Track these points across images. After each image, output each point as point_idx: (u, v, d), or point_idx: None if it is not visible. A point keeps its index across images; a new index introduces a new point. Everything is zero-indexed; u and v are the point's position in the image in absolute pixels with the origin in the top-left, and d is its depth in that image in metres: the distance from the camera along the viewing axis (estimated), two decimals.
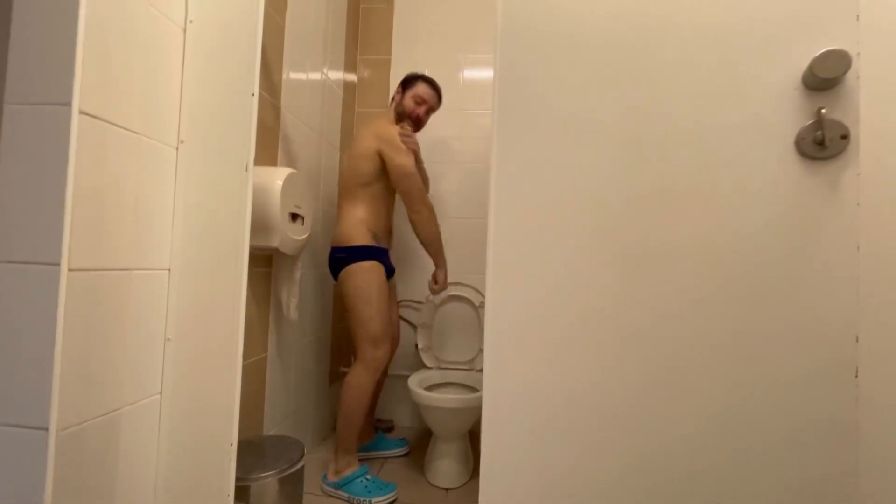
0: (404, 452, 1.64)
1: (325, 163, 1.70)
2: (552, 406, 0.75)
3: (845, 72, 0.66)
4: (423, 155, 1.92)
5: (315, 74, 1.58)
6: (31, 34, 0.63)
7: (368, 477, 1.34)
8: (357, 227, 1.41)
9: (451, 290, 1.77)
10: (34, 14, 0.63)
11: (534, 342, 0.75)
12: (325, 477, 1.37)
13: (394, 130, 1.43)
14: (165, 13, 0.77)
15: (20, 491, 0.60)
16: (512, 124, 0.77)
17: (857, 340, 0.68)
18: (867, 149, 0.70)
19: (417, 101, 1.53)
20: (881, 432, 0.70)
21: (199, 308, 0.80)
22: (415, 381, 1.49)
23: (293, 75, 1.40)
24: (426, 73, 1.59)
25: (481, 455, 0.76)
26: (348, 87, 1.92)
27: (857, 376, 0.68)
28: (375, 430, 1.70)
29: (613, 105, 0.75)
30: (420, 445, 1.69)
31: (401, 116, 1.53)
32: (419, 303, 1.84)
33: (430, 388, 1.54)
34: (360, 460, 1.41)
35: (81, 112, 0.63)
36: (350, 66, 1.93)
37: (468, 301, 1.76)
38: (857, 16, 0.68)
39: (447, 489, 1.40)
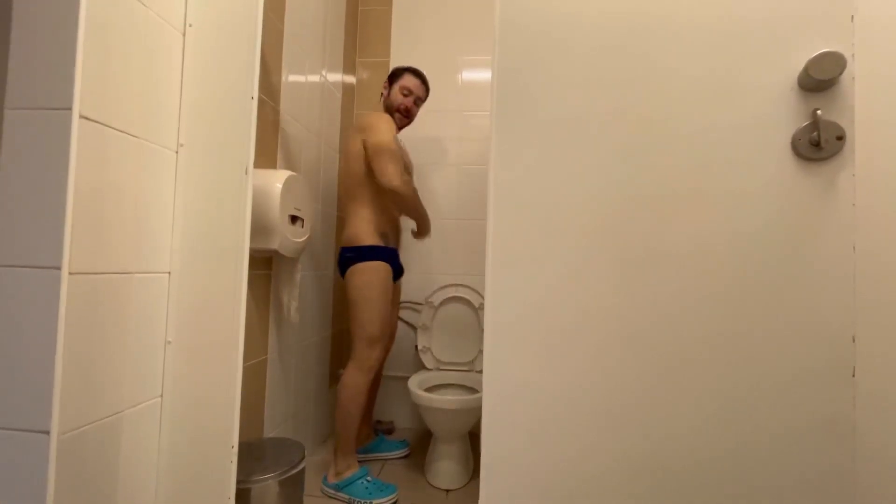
0: (405, 454, 1.64)
1: (324, 165, 1.70)
2: (552, 406, 0.75)
3: (840, 73, 0.67)
4: (423, 156, 1.94)
5: (314, 77, 1.58)
6: (31, 39, 0.63)
7: (369, 478, 1.34)
8: (364, 226, 1.40)
9: (451, 292, 1.77)
10: (34, 19, 0.63)
11: (533, 343, 0.76)
12: (325, 479, 1.38)
13: (373, 118, 1.41)
14: (165, 17, 0.78)
15: (22, 494, 0.60)
16: (511, 126, 0.78)
17: (854, 340, 0.69)
18: (863, 149, 0.70)
19: (404, 92, 1.51)
20: (878, 432, 0.71)
21: (199, 310, 0.80)
22: (415, 383, 1.49)
23: (292, 78, 1.41)
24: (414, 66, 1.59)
25: (481, 456, 0.76)
26: (347, 90, 1.92)
27: (854, 376, 0.68)
28: (376, 431, 1.70)
29: (611, 106, 0.76)
30: (420, 447, 1.69)
31: (390, 110, 1.52)
32: (419, 304, 1.84)
33: (429, 389, 1.54)
34: (360, 462, 1.41)
35: (82, 116, 0.63)
36: (349, 68, 1.94)
37: (468, 302, 1.77)
38: (852, 17, 0.69)
39: (448, 490, 1.40)
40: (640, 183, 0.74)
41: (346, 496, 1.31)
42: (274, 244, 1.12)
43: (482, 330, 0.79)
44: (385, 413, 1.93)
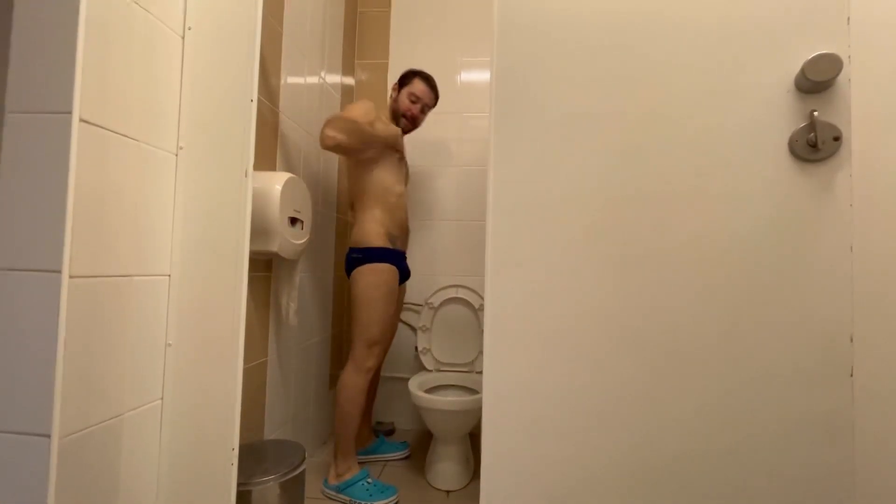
0: (405, 455, 1.64)
1: (323, 167, 1.70)
2: (551, 406, 0.75)
3: (837, 75, 0.67)
4: (422, 157, 1.94)
5: (313, 78, 1.58)
6: (31, 43, 0.63)
7: (369, 480, 1.34)
8: (372, 227, 1.40)
9: (451, 293, 1.77)
10: (35, 23, 0.63)
11: (533, 343, 0.76)
12: (326, 481, 1.37)
13: (353, 104, 1.41)
14: (164, 20, 0.78)
15: (23, 498, 0.60)
16: (509, 127, 0.78)
17: (852, 340, 0.69)
18: (859, 150, 0.70)
19: (412, 99, 1.51)
20: (877, 431, 0.71)
21: (199, 313, 0.81)
22: (415, 384, 1.49)
23: (291, 80, 1.41)
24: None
25: (482, 457, 0.77)
26: (346, 91, 1.92)
27: (851, 375, 0.69)
28: (376, 433, 1.70)
29: (609, 107, 0.76)
30: (421, 448, 1.69)
31: (396, 114, 1.53)
32: (419, 305, 1.85)
33: (429, 390, 1.54)
34: (360, 463, 1.41)
35: (82, 120, 0.63)
36: (348, 69, 1.94)
37: (467, 303, 1.77)
38: (848, 19, 0.70)
39: (448, 491, 1.40)
40: (638, 183, 0.75)
41: (347, 498, 1.31)
42: (274, 246, 1.12)
43: (482, 331, 0.79)
44: (385, 414, 1.93)
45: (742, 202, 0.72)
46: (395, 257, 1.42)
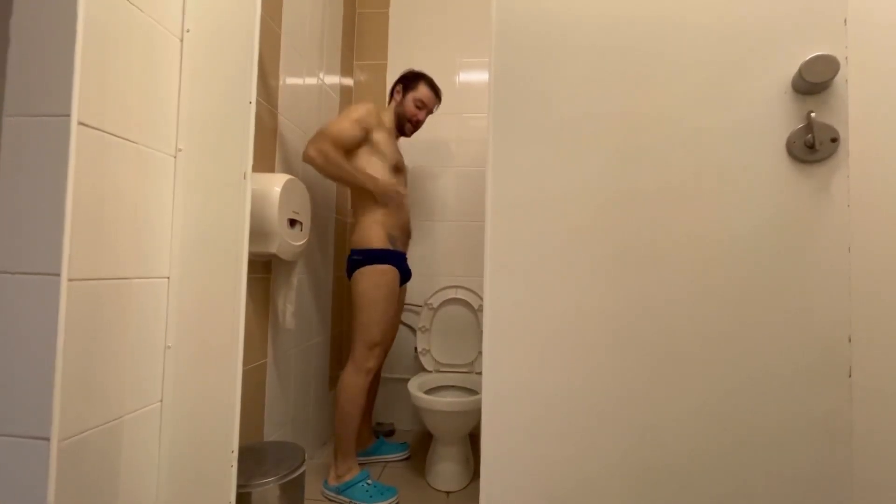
0: (405, 456, 1.64)
1: None
2: (550, 407, 0.75)
3: (833, 76, 0.68)
4: (421, 158, 1.94)
5: (311, 79, 1.58)
6: (30, 46, 0.63)
7: (369, 481, 1.34)
8: (372, 228, 1.40)
9: (450, 294, 1.77)
10: (33, 26, 0.63)
11: (531, 344, 0.76)
12: (326, 482, 1.37)
13: (349, 107, 1.41)
14: (163, 23, 0.78)
15: (22, 501, 0.60)
16: (508, 127, 0.78)
17: (850, 340, 0.69)
18: (856, 151, 0.71)
19: (418, 104, 1.51)
20: (875, 431, 0.71)
21: (198, 315, 0.81)
22: (414, 385, 1.49)
23: (290, 81, 1.41)
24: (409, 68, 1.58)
25: (481, 458, 0.77)
26: (345, 92, 1.92)
27: (850, 375, 0.69)
28: (376, 434, 1.70)
29: (606, 108, 0.76)
30: (421, 449, 1.69)
31: (401, 118, 1.53)
32: (418, 306, 1.85)
33: (429, 391, 1.54)
34: (360, 465, 1.41)
35: (80, 123, 0.63)
36: (346, 70, 1.94)
37: (467, 304, 1.77)
38: (845, 20, 0.70)
39: (448, 492, 1.40)
40: (636, 184, 0.75)
41: (347, 499, 1.31)
42: (273, 248, 1.12)
43: (482, 332, 0.79)
44: (385, 415, 1.93)
45: (740, 203, 0.72)
46: (396, 258, 1.42)
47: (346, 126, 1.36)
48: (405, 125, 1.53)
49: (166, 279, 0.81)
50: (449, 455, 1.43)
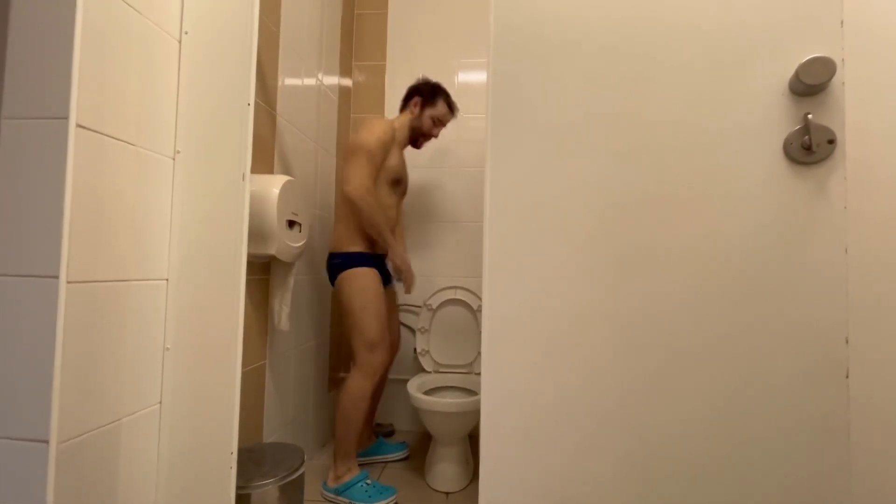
0: (404, 457, 1.65)
1: (321, 169, 1.70)
2: (549, 409, 0.76)
3: (830, 78, 0.68)
4: (420, 159, 1.94)
5: (310, 80, 1.58)
6: (28, 48, 0.63)
7: (368, 482, 1.34)
8: (352, 232, 1.41)
9: (449, 294, 1.78)
10: (31, 28, 0.63)
11: (530, 345, 0.76)
12: (325, 483, 1.38)
13: (371, 121, 1.42)
14: (161, 25, 0.78)
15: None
16: (506, 129, 0.78)
17: (847, 341, 0.69)
18: (853, 153, 0.71)
19: (436, 122, 1.53)
20: (872, 432, 0.71)
21: (197, 317, 0.81)
22: (413, 386, 1.49)
23: (288, 81, 1.41)
24: (423, 76, 1.59)
25: (480, 458, 0.77)
26: (343, 93, 1.92)
27: (847, 377, 0.69)
28: (375, 434, 1.70)
29: (604, 110, 0.76)
30: (420, 449, 1.70)
31: (416, 132, 1.53)
32: (417, 307, 1.85)
33: (428, 392, 1.54)
34: (360, 465, 1.41)
35: (78, 125, 0.63)
36: (345, 71, 1.94)
37: (466, 305, 1.77)
38: (842, 22, 0.70)
39: (447, 493, 1.40)
40: (634, 186, 0.75)
41: (346, 500, 1.31)
42: (271, 249, 1.12)
43: (480, 332, 0.79)
44: (384, 416, 1.93)
45: (737, 205, 0.72)
46: (375, 261, 1.43)
47: (377, 153, 1.37)
48: (418, 139, 1.55)
49: (165, 281, 0.81)
50: (448, 456, 1.43)
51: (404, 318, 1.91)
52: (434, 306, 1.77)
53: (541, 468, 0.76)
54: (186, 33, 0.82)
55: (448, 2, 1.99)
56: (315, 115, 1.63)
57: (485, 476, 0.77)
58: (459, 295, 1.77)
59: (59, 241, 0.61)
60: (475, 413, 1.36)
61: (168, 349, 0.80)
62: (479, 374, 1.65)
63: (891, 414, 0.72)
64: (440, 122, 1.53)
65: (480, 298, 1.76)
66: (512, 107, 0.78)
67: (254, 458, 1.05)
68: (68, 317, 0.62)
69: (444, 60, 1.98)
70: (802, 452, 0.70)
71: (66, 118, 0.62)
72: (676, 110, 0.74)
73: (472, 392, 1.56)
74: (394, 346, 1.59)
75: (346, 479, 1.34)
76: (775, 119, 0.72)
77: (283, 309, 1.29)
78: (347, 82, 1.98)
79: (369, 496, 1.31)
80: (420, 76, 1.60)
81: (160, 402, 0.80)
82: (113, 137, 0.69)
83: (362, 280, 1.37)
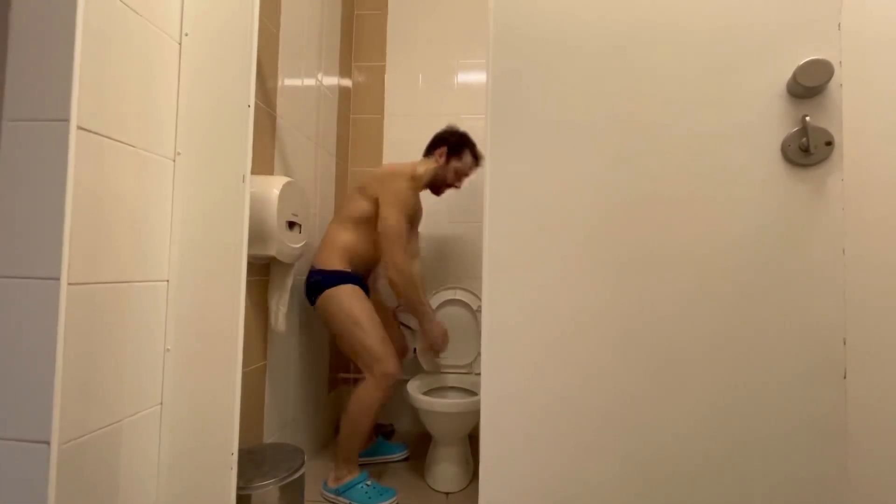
0: (404, 457, 1.65)
1: (320, 170, 1.70)
2: (549, 409, 0.76)
3: (828, 80, 0.68)
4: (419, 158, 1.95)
5: (310, 81, 1.59)
6: (28, 51, 0.63)
7: (369, 483, 1.35)
8: (338, 252, 1.41)
9: (449, 295, 1.78)
10: (32, 30, 0.63)
11: (529, 346, 0.77)
12: (325, 484, 1.38)
13: (402, 185, 1.41)
14: (161, 27, 0.78)
15: None
16: (505, 132, 0.78)
17: (845, 343, 0.70)
18: (851, 155, 0.71)
19: (460, 175, 1.53)
20: (870, 433, 0.72)
21: (197, 318, 0.81)
22: (413, 386, 1.49)
23: (288, 82, 1.41)
24: (450, 124, 1.59)
25: (480, 459, 0.77)
26: (343, 94, 1.93)
27: (845, 378, 0.70)
28: (375, 434, 1.70)
29: (604, 111, 0.77)
30: (420, 450, 1.70)
31: (438, 180, 1.53)
32: None
33: (428, 392, 1.54)
34: (360, 466, 1.41)
35: (79, 127, 0.63)
36: (345, 71, 1.94)
37: (466, 305, 1.77)
38: (839, 25, 0.70)
39: (447, 493, 1.41)
40: (632, 189, 0.75)
41: (346, 501, 1.32)
42: (272, 251, 1.13)
43: (480, 332, 0.80)
44: (385, 416, 1.93)
45: (735, 206, 0.73)
46: (355, 279, 1.42)
47: (405, 224, 1.40)
48: (440, 187, 1.55)
49: (166, 282, 0.81)
50: (448, 456, 1.44)
51: (404, 318, 1.91)
52: (434, 306, 1.77)
53: (541, 468, 0.76)
54: (186, 35, 0.82)
55: (448, 2, 1.99)
56: (315, 116, 1.63)
57: (485, 476, 0.77)
58: (459, 295, 1.77)
59: (60, 243, 0.61)
60: (475, 413, 1.36)
61: (169, 350, 0.80)
62: (478, 374, 1.65)
63: (888, 414, 0.72)
64: (464, 175, 1.54)
65: (480, 298, 1.76)
66: (511, 107, 0.78)
67: (254, 459, 1.05)
68: (69, 318, 0.62)
69: (443, 61, 1.98)
70: (801, 453, 0.71)
71: (67, 120, 0.62)
72: (675, 112, 0.75)
73: (472, 392, 1.56)
74: (400, 352, 1.59)
75: (347, 479, 1.34)
76: (773, 121, 0.72)
77: (279, 309, 1.29)
78: (347, 83, 1.98)
79: (369, 497, 1.31)
80: (447, 125, 1.58)
81: (161, 403, 0.80)
82: (113, 139, 0.70)
83: (346, 297, 1.36)
